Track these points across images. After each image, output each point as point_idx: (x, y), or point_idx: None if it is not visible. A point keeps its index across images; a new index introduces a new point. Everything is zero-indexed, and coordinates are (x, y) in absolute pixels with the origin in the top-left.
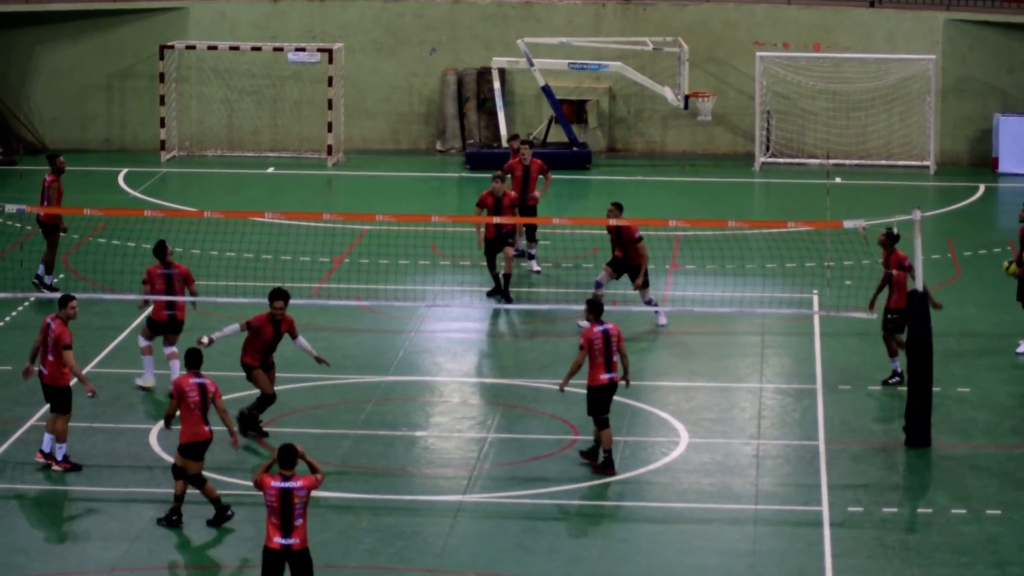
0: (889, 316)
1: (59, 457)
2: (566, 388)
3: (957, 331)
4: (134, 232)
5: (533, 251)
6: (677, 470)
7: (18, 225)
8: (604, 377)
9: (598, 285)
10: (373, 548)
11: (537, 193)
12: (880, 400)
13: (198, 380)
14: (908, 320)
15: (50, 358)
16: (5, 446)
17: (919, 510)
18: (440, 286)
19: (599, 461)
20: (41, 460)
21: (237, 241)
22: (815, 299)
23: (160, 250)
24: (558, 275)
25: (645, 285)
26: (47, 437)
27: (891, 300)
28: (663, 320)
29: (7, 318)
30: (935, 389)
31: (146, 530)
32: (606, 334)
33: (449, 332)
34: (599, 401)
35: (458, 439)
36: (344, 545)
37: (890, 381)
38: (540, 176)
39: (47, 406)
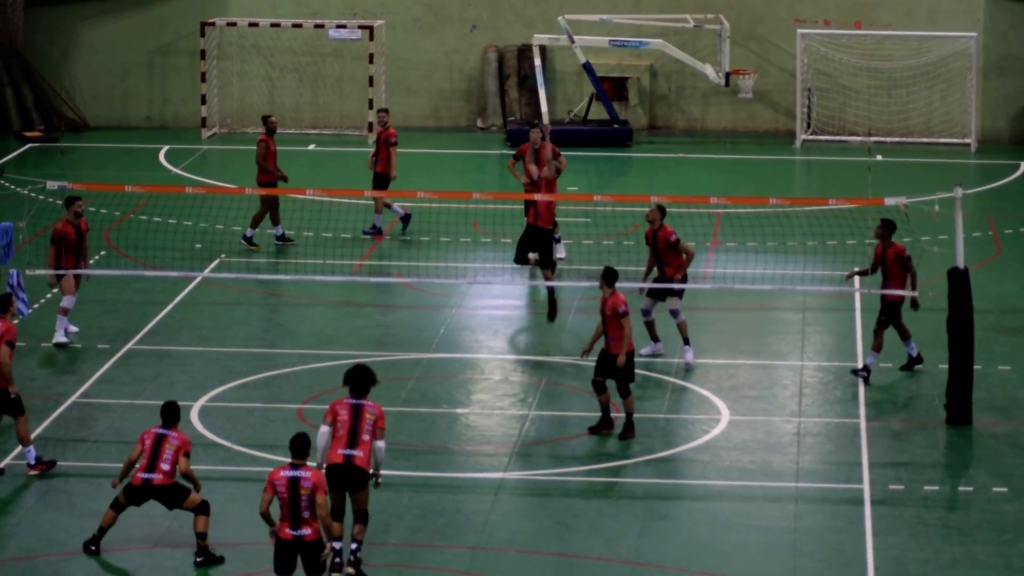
0: (882, 315)
1: (31, 460)
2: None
3: (998, 308)
4: (175, 209)
5: (558, 235)
6: (718, 448)
7: (59, 202)
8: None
9: (645, 313)
10: (414, 525)
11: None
12: (921, 378)
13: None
14: (949, 298)
15: None
16: (46, 423)
17: (960, 488)
18: (481, 263)
19: (624, 427)
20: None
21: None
22: (856, 276)
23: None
24: (599, 252)
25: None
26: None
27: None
28: (689, 356)
29: (48, 295)
30: (976, 367)
31: None
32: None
33: (490, 309)
34: (631, 366)
35: (499, 416)
36: (385, 522)
37: (913, 366)
38: (554, 159)
39: (89, 383)
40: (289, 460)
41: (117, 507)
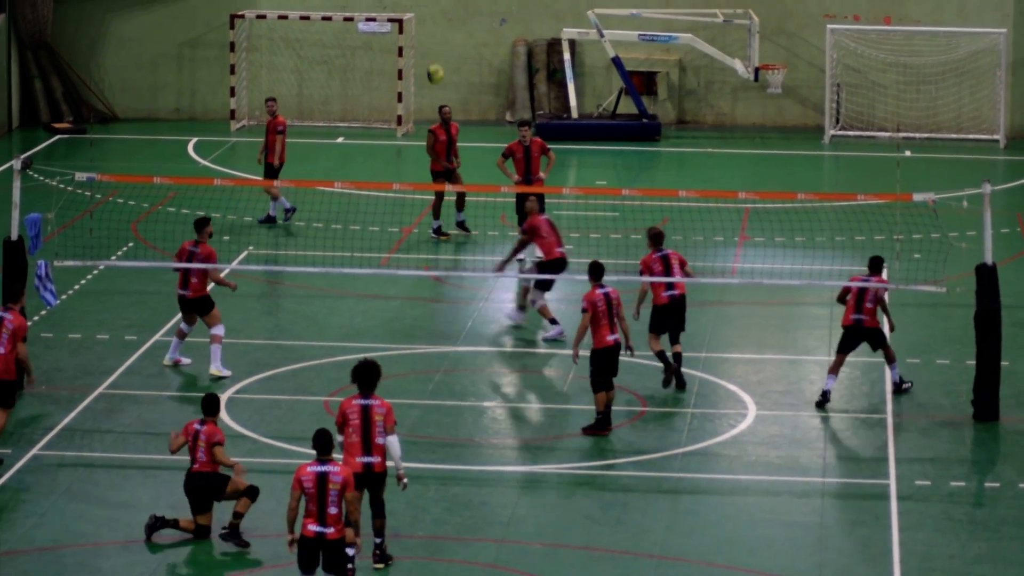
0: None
1: None
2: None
3: None
4: (204, 201)
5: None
6: (745, 442)
7: (87, 194)
8: (610, 339)
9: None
10: (440, 518)
11: (543, 174)
12: (948, 373)
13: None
14: (977, 294)
15: (2, 351)
16: (73, 414)
17: (986, 484)
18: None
19: (593, 422)
20: None
21: (307, 211)
22: (884, 272)
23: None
24: (627, 246)
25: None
26: None
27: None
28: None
29: (76, 286)
30: (1003, 363)
31: None
32: (607, 296)
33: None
34: (606, 362)
35: (526, 409)
36: (411, 515)
37: (902, 388)
38: (543, 156)
39: (116, 374)
40: (315, 456)
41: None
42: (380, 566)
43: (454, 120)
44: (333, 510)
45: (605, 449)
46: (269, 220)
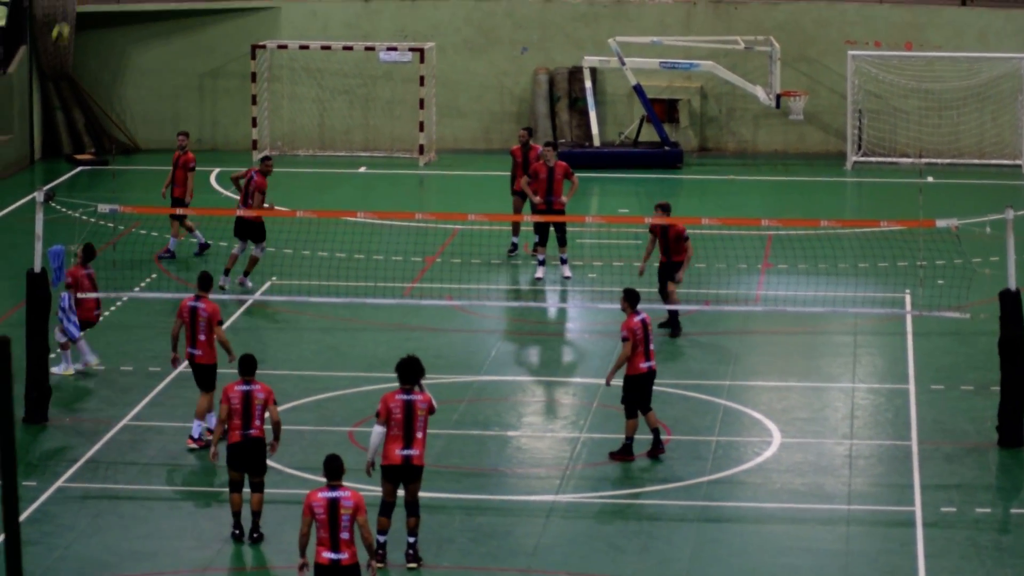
0: None
1: (195, 434)
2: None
3: None
4: (227, 232)
5: (564, 255)
6: (770, 470)
7: (110, 225)
8: (644, 366)
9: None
10: (465, 548)
11: (564, 198)
12: (973, 400)
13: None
14: (1001, 320)
15: (201, 337)
16: (98, 446)
17: (1012, 510)
18: (532, 285)
19: (620, 448)
20: (192, 446)
21: (329, 241)
22: (907, 299)
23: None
24: (651, 273)
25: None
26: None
27: None
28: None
29: (101, 318)
30: None
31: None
32: (644, 323)
33: (542, 332)
34: (640, 390)
35: (550, 439)
36: (436, 545)
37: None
38: (566, 179)
39: (140, 406)
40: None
41: (233, 486)
42: (413, 566)
43: (533, 143)
44: (345, 535)
45: (630, 477)
46: (169, 254)
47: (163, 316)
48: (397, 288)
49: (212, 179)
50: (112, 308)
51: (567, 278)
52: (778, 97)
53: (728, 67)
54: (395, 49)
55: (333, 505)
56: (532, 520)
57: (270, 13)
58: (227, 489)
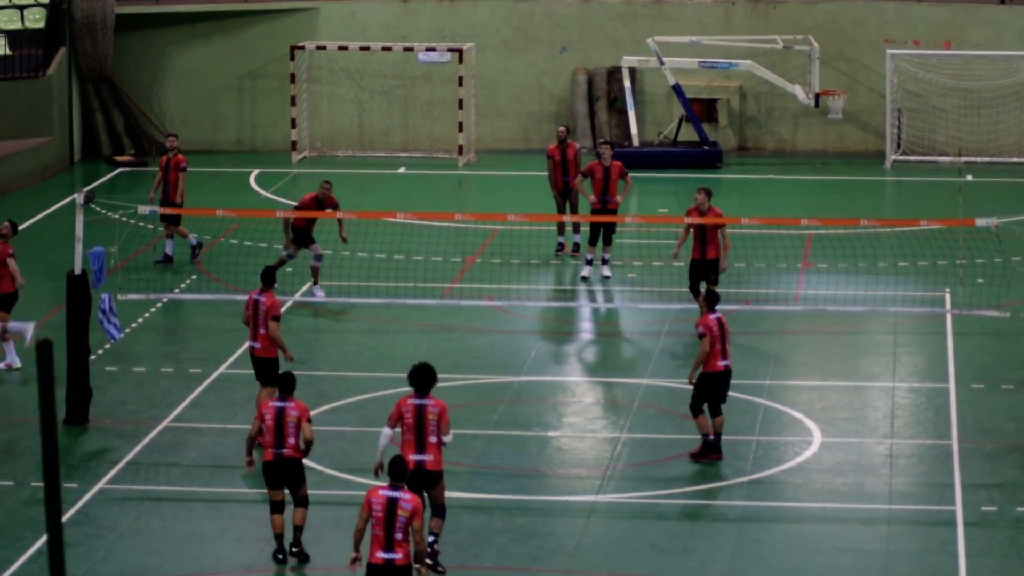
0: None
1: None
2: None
3: None
4: (266, 233)
5: (607, 255)
6: (810, 470)
7: (150, 227)
8: (721, 364)
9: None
10: (506, 549)
11: (619, 197)
12: (1014, 399)
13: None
14: None
15: (262, 331)
16: (139, 448)
17: None
18: (572, 285)
19: (706, 445)
20: None
21: (369, 241)
22: (947, 297)
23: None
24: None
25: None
26: None
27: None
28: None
29: (139, 320)
30: None
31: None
32: (720, 321)
33: (581, 332)
34: (716, 389)
35: (591, 439)
36: (477, 546)
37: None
38: (620, 179)
39: (181, 407)
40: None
41: (273, 507)
42: (430, 563)
43: (571, 141)
44: (399, 536)
45: (671, 478)
46: (166, 259)
47: (203, 317)
48: (437, 289)
49: (251, 180)
50: (152, 310)
51: (606, 278)
52: (817, 96)
53: (767, 66)
54: (434, 50)
55: (392, 505)
56: (573, 521)
57: (309, 14)
58: (266, 490)
